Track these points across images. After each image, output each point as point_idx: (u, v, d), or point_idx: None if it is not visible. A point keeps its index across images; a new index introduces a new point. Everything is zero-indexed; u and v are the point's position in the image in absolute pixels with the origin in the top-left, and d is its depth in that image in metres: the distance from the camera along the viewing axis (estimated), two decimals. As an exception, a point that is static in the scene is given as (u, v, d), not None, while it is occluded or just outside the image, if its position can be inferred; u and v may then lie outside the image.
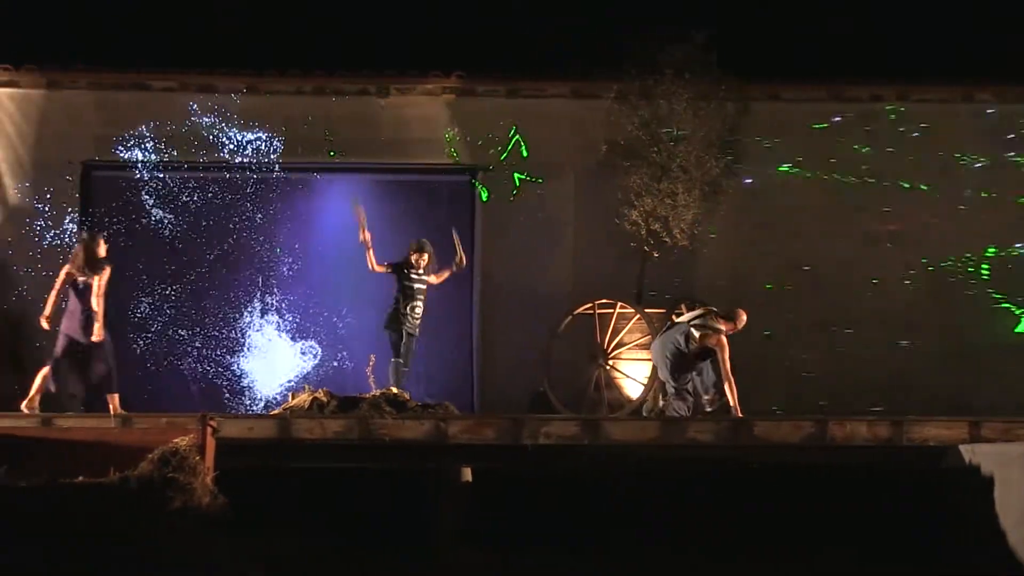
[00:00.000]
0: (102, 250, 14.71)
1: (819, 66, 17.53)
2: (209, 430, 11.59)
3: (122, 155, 17.05)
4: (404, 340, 15.31)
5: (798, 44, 18.00)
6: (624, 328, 15.45)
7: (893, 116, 17.54)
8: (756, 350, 16.20)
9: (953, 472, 13.14)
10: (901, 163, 17.49)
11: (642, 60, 16.04)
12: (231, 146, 17.07)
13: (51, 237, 16.87)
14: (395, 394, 13.99)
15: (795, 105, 17.45)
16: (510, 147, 17.25)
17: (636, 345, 15.38)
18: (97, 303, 14.41)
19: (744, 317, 14.91)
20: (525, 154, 17.26)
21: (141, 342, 17.18)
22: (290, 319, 17.04)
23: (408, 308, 15.33)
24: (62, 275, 14.54)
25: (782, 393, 16.49)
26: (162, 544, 10.70)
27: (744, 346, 15.17)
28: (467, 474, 13.67)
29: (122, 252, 17.17)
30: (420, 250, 15.42)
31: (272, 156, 17.16)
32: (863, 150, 17.49)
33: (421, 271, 15.39)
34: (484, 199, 17.29)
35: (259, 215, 17.30)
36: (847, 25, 18.45)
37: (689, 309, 15.13)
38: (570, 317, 15.83)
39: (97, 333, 14.36)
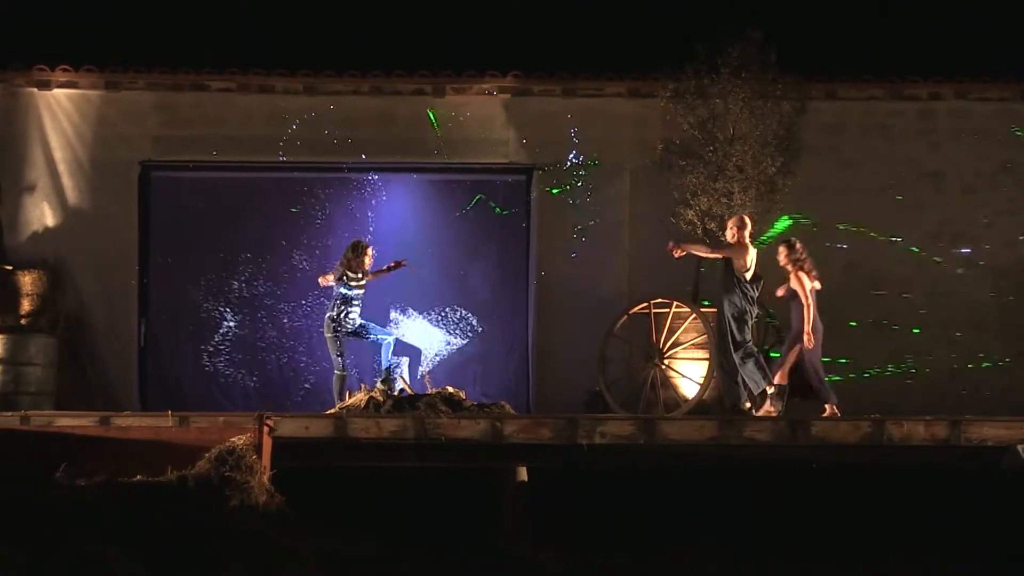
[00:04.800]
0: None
1: (877, 64, 17.45)
2: (266, 429, 11.61)
3: (180, 155, 17.15)
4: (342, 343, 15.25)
5: (856, 42, 17.94)
6: (680, 327, 15.38)
7: (951, 114, 17.44)
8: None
9: (1011, 472, 13.07)
10: (960, 162, 17.38)
11: (699, 59, 16.02)
12: (288, 146, 17.13)
13: (108, 237, 16.97)
14: (451, 393, 14.01)
15: (853, 103, 17.37)
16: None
17: (692, 344, 15.33)
18: None
19: None
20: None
21: (200, 341, 17.30)
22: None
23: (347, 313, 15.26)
24: None
25: (843, 393, 16.40)
26: (219, 543, 10.74)
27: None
28: (523, 473, 13.67)
29: (180, 252, 17.30)
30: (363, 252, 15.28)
31: (329, 156, 17.22)
32: (921, 148, 17.39)
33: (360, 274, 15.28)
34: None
35: (318, 215, 17.37)
36: (905, 23, 18.39)
37: None
38: (626, 316, 15.79)
39: None
